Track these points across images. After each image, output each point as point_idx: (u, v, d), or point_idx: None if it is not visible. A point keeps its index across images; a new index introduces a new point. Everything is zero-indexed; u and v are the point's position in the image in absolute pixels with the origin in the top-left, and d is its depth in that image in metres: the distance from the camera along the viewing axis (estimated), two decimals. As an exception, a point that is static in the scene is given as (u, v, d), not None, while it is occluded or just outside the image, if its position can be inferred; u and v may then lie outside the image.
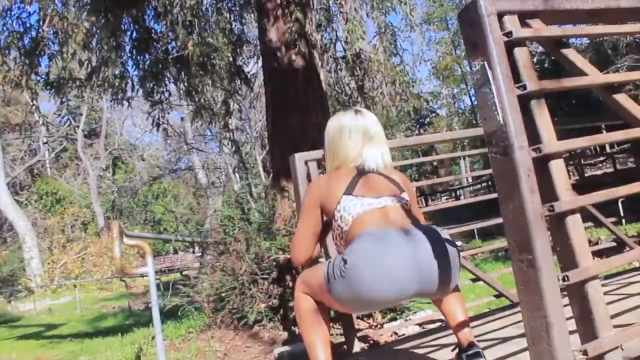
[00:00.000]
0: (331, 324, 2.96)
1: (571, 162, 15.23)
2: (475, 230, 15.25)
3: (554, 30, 1.65)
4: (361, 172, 2.21)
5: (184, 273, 17.84)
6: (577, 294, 1.44)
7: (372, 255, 1.97)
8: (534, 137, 1.48)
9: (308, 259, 2.29)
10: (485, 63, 1.47)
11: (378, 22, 9.70)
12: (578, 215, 1.47)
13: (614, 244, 4.37)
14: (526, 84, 1.48)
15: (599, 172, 20.75)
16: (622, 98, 1.65)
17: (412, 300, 4.45)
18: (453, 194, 29.18)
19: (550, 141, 1.47)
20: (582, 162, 17.47)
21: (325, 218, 2.27)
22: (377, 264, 1.95)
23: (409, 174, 30.69)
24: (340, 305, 2.13)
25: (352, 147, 2.25)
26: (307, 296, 2.20)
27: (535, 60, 21.19)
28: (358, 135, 2.26)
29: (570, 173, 18.85)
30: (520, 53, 1.53)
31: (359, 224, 2.09)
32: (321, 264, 2.25)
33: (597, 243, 8.19)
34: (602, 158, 19.53)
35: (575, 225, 1.46)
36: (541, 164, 1.47)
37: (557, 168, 1.49)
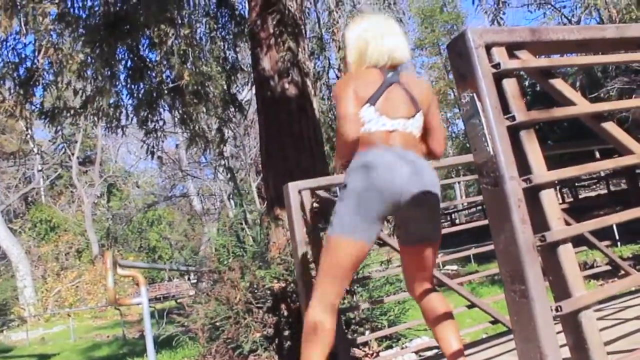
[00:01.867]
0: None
1: (565, 185, 15.27)
2: (472, 254, 15.20)
3: (542, 61, 1.67)
4: (387, 81, 2.28)
5: (178, 301, 17.68)
6: (570, 324, 1.43)
7: (364, 173, 2.14)
8: (524, 167, 1.49)
9: (357, 131, 2.22)
10: (475, 95, 1.48)
11: (370, 49, 9.80)
12: (570, 245, 1.47)
13: (610, 267, 4.35)
14: (515, 114, 1.49)
15: (593, 194, 20.84)
16: (610, 126, 1.67)
17: (407, 328, 4.43)
18: (448, 217, 29.21)
19: (540, 171, 1.48)
20: (576, 184, 17.54)
21: None
22: (374, 175, 2.13)
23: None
24: (352, 234, 2.16)
25: (376, 48, 2.33)
26: (324, 313, 2.18)
27: (526, 84, 21.39)
28: (380, 37, 2.34)
29: (565, 195, 18.93)
30: (509, 84, 1.55)
31: (367, 140, 2.22)
32: None
33: (592, 266, 8.20)
34: (595, 180, 19.61)
35: (567, 255, 1.46)
36: (532, 194, 1.47)
37: (548, 197, 1.49)
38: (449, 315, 2.26)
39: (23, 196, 36.31)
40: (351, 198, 2.15)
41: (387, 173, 2.13)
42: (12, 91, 7.45)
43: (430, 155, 2.40)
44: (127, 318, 20.46)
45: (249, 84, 11.88)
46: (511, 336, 3.02)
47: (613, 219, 1.65)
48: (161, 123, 8.91)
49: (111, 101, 8.18)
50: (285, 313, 4.35)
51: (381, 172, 2.13)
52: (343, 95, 2.26)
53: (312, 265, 3.15)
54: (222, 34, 9.36)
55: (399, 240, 2.40)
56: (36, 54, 7.24)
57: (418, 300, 2.36)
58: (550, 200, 1.49)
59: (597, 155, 4.84)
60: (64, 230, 34.24)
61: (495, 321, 3.51)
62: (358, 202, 2.13)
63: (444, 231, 4.44)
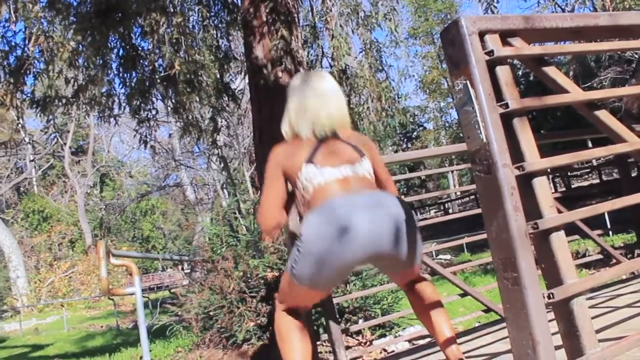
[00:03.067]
0: (320, 342, 2.95)
1: (558, 174, 15.33)
2: (464, 243, 15.26)
3: (535, 49, 1.66)
4: (321, 139, 2.20)
5: (172, 290, 17.70)
6: (562, 311, 1.44)
7: (326, 222, 2.01)
8: (517, 154, 1.48)
9: (276, 225, 2.25)
10: (468, 82, 1.48)
11: (364, 38, 9.76)
12: (562, 232, 1.47)
13: (601, 255, 4.38)
14: (508, 102, 1.49)
15: (585, 183, 20.95)
16: (603, 114, 1.66)
17: (401, 317, 4.44)
18: (442, 207, 29.30)
19: (533, 159, 1.48)
20: (569, 173, 17.61)
21: (289, 186, 2.26)
22: (331, 229, 1.98)
23: (397, 188, 30.74)
24: (308, 285, 2.10)
25: (305, 116, 2.24)
26: (286, 315, 2.21)
27: (520, 73, 21.40)
28: (309, 101, 2.25)
29: (557, 184, 19.01)
30: (502, 71, 1.54)
31: (320, 194, 2.11)
32: None
33: (584, 255, 8.25)
34: (588, 170, 19.70)
35: (559, 242, 1.46)
36: (525, 182, 1.47)
37: (541, 185, 1.49)
38: (438, 304, 2.23)
39: (15, 186, 36.16)
40: (306, 254, 2.03)
41: (343, 234, 1.98)
42: (2, 80, 7.37)
43: None
44: (120, 308, 20.46)
45: (242, 73, 11.80)
46: (504, 324, 3.03)
47: (605, 207, 1.66)
48: (154, 112, 8.87)
49: (103, 90, 8.13)
50: (279, 302, 4.36)
51: (337, 233, 1.98)
52: (267, 174, 2.25)
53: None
54: (215, 22, 9.29)
55: None
56: (26, 42, 7.16)
57: (405, 291, 2.33)
58: (543, 188, 1.49)
59: (590, 145, 4.85)
60: (57, 221, 34.17)
61: (487, 309, 3.53)
62: (312, 260, 2.03)
63: (436, 220, 4.45)
